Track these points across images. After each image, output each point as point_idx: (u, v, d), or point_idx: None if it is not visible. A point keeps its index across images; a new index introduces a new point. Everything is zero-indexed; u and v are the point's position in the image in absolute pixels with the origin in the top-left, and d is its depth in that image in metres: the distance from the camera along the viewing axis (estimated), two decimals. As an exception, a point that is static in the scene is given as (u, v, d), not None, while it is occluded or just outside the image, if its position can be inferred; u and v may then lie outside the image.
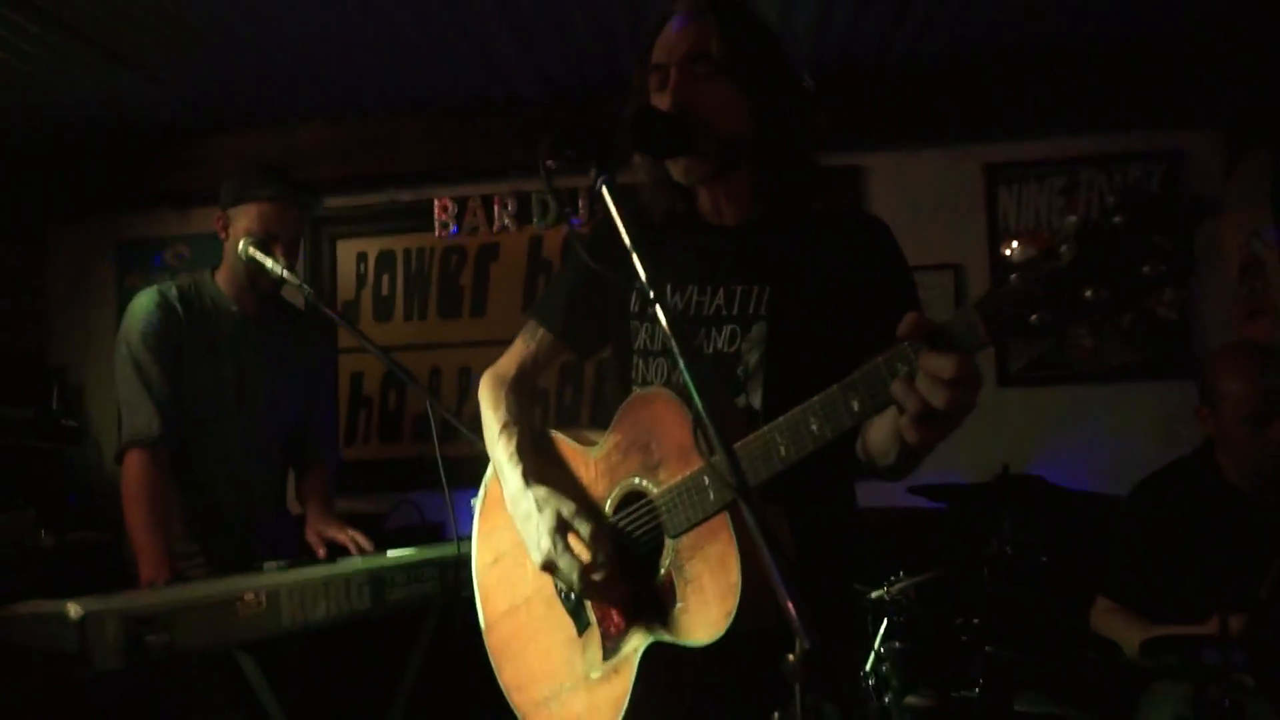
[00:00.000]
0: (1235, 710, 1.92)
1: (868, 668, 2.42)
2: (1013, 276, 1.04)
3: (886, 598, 2.43)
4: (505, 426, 1.65)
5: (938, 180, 3.73)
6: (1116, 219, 0.97)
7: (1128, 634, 2.44)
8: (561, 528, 1.46)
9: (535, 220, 3.99)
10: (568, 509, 1.47)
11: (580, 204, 3.86)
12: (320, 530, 2.65)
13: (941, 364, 1.07)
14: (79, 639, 1.74)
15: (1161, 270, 0.95)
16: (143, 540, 2.39)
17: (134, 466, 2.45)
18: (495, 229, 4.02)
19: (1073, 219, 1.01)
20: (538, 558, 1.48)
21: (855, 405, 1.17)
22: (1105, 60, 3.49)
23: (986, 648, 2.24)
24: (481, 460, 1.74)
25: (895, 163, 3.76)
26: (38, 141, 4.04)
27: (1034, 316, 1.02)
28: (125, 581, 2.47)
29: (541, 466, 1.59)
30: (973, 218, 3.69)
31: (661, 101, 1.48)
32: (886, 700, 2.32)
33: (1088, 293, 0.98)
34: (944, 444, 1.18)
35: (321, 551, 2.58)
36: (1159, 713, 2.33)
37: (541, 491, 1.52)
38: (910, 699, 2.35)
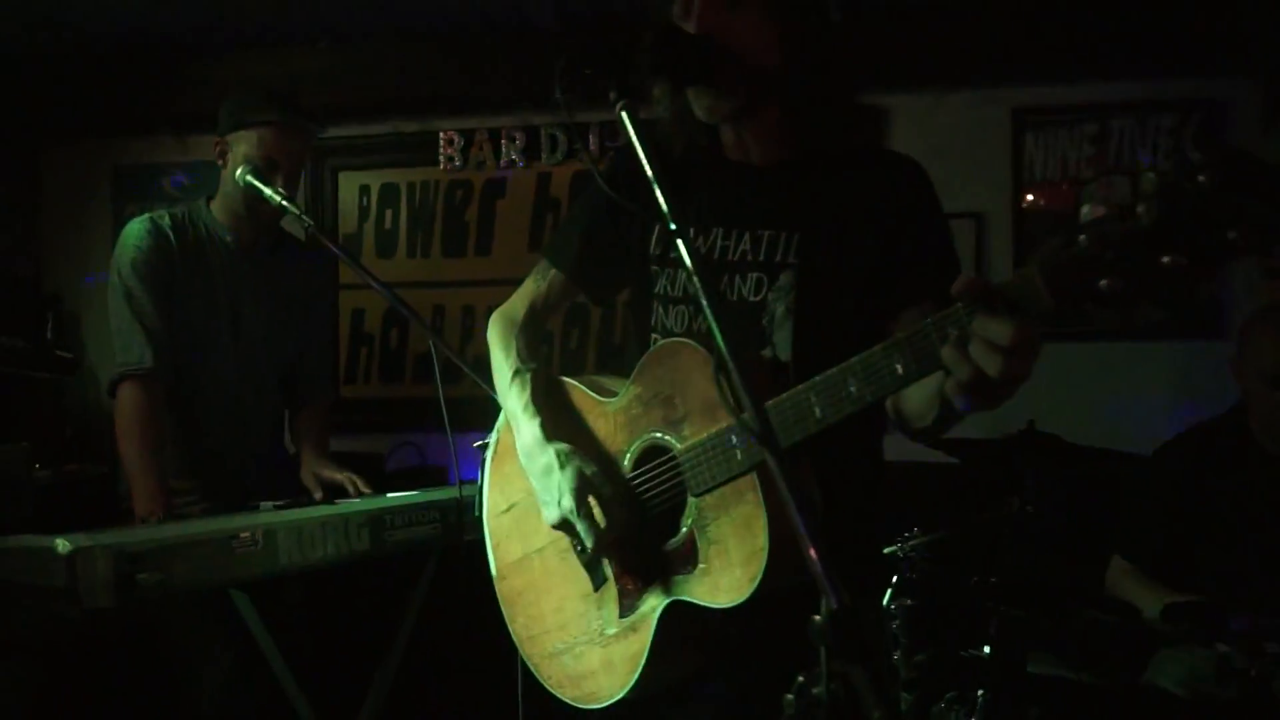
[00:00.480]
0: (1262, 681, 1.87)
1: (877, 624, 2.38)
2: (1081, 237, 0.94)
3: (900, 554, 2.38)
4: (517, 373, 1.58)
5: (963, 125, 3.60)
6: (1202, 178, 0.87)
7: (1143, 598, 2.40)
8: (583, 488, 1.40)
9: (544, 156, 3.87)
10: (590, 469, 1.42)
11: (590, 140, 3.74)
12: (316, 471, 2.59)
13: (998, 330, 0.99)
14: (68, 575, 1.69)
15: (1250, 237, 0.86)
16: (137, 474, 2.33)
17: (127, 398, 2.38)
18: (502, 164, 3.90)
19: (1152, 175, 0.91)
20: (553, 515, 1.43)
21: (899, 369, 1.10)
22: (1141, 2, 3.34)
23: (1000, 607, 2.20)
24: (484, 402, 1.69)
25: (920, 105, 3.63)
26: (33, 60, 3.90)
27: (1104, 282, 0.93)
28: (121, 517, 2.43)
29: (558, 417, 1.53)
30: (997, 165, 3.57)
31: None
32: (895, 658, 2.28)
33: (1166, 259, 0.89)
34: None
35: (318, 495, 2.52)
36: (1167, 674, 2.29)
37: (563, 447, 1.46)
38: (919, 657, 2.32)
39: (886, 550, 2.41)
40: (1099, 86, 3.51)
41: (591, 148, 3.72)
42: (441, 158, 3.92)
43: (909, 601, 2.32)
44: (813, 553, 0.95)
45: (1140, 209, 0.91)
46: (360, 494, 2.48)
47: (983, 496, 2.52)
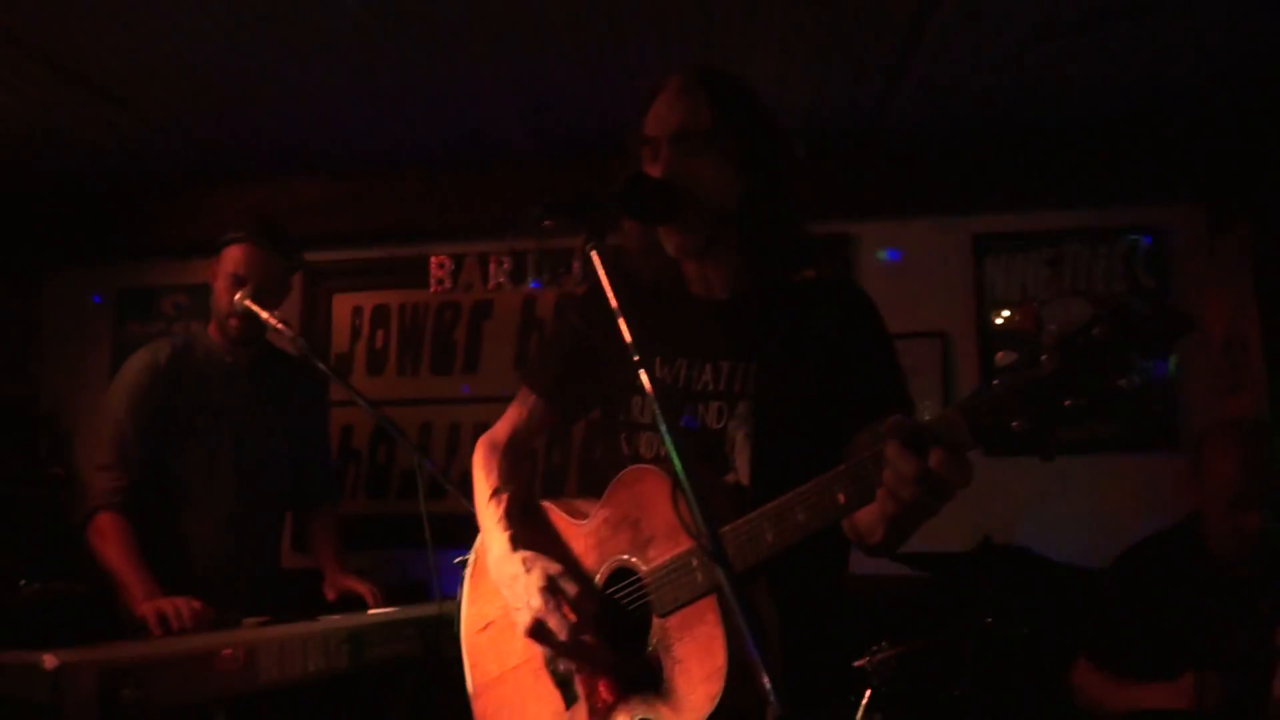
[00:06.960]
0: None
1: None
2: (995, 382, 1.08)
3: (869, 668, 2.41)
4: (495, 492, 1.67)
5: (926, 249, 3.78)
6: (1096, 331, 1.01)
7: (1105, 694, 2.46)
8: (551, 587, 1.45)
9: (530, 280, 4.04)
10: (555, 569, 1.48)
11: (575, 266, 3.91)
12: (336, 584, 2.67)
13: (905, 464, 1.11)
14: (52, 691, 1.71)
15: (1137, 383, 0.99)
16: (130, 577, 2.40)
17: (103, 523, 2.48)
18: (490, 286, 4.06)
19: (1053, 329, 1.05)
20: (525, 618, 1.46)
21: (841, 499, 1.20)
22: (1091, 135, 3.57)
23: (968, 719, 2.23)
24: (468, 519, 1.75)
25: (885, 231, 3.81)
26: (39, 186, 4.07)
27: (1015, 423, 1.06)
28: (117, 629, 2.46)
29: (531, 534, 1.60)
30: (960, 287, 3.74)
31: (653, 173, 1.51)
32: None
33: (1067, 402, 1.02)
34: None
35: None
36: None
37: (528, 554, 1.52)
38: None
39: (856, 664, 2.44)
40: (1053, 213, 3.71)
41: (574, 270, 3.89)
42: (432, 280, 4.08)
43: (878, 716, 2.35)
44: (758, 662, 1.03)
45: (1043, 358, 1.04)
46: (378, 604, 2.55)
47: (946, 610, 2.57)
